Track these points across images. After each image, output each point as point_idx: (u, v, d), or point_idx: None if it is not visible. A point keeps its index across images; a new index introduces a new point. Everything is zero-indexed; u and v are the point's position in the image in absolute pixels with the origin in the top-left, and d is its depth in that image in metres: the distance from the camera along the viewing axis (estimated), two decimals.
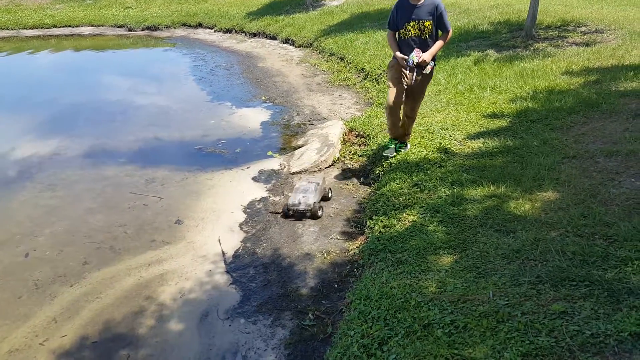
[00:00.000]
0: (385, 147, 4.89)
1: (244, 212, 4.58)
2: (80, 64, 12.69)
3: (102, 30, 16.82)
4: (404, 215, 3.63)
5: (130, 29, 16.56)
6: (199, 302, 3.37)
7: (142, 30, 16.44)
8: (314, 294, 3.36)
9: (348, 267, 3.61)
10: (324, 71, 9.71)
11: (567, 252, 2.67)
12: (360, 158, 5.42)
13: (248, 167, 5.55)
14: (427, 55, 4.20)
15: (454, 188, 3.80)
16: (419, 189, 3.95)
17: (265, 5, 17.12)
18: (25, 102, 8.85)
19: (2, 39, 15.93)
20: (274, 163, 5.63)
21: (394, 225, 3.56)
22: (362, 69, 8.79)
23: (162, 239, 4.16)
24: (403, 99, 4.47)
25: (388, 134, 4.90)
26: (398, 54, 4.32)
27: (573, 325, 2.07)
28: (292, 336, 2.99)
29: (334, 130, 5.98)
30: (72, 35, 16.38)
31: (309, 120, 7.00)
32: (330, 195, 4.66)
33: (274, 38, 13.48)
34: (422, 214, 3.56)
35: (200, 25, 16.41)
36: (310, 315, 3.14)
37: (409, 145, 4.85)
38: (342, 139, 5.92)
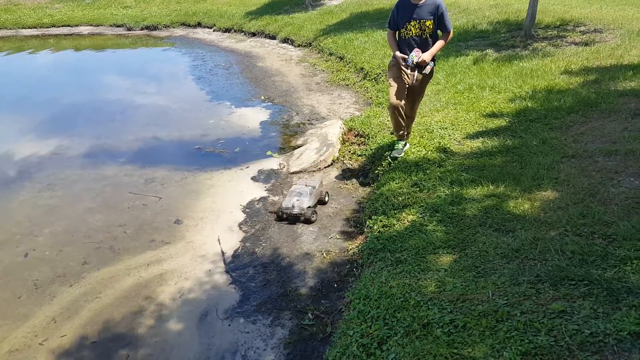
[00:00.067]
0: (392, 149, 4.85)
1: (243, 211, 4.58)
2: (79, 63, 12.68)
3: (101, 29, 16.81)
4: (403, 214, 3.63)
5: (129, 29, 16.55)
6: (198, 302, 3.37)
7: (141, 30, 16.43)
8: (314, 293, 3.37)
9: (347, 266, 3.61)
10: (323, 71, 9.71)
11: (567, 251, 2.68)
12: (360, 158, 5.42)
13: (247, 167, 5.55)
14: (426, 56, 4.20)
15: (453, 187, 3.80)
16: (418, 189, 3.95)
17: (264, 4, 17.12)
18: (24, 102, 8.84)
19: (1, 39, 15.91)
20: (273, 163, 5.63)
21: (393, 224, 3.56)
22: (362, 68, 8.79)
23: (161, 238, 4.16)
24: (404, 98, 4.46)
25: (391, 135, 4.89)
26: (398, 53, 4.32)
27: (572, 325, 2.08)
28: (291, 336, 2.99)
29: (333, 130, 5.98)
30: (71, 34, 16.36)
31: (308, 120, 7.00)
32: (327, 199, 4.58)
33: (273, 37, 13.47)
34: (421, 214, 3.56)
35: (199, 24, 16.39)
36: (309, 314, 3.14)
37: (408, 145, 4.85)
38: (341, 138, 5.92)
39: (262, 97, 8.27)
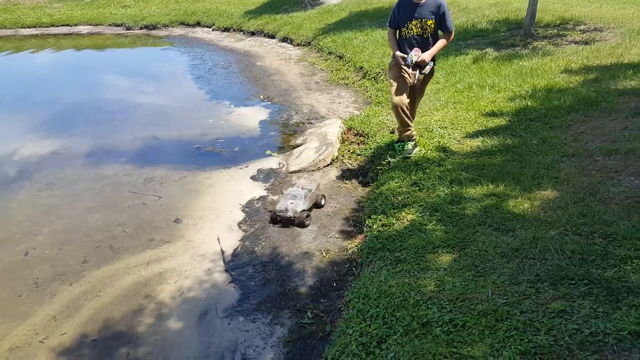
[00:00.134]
0: (402, 149, 4.81)
1: (243, 211, 4.58)
2: (79, 63, 12.67)
3: (100, 29, 16.79)
4: (403, 214, 3.63)
5: (129, 28, 16.54)
6: (198, 301, 3.37)
7: (140, 29, 16.41)
8: (313, 292, 3.37)
9: (347, 265, 3.61)
10: (323, 70, 9.70)
11: (566, 250, 2.68)
12: (359, 157, 5.42)
13: (247, 166, 5.55)
14: (426, 55, 4.19)
15: (452, 187, 3.80)
16: (417, 188, 3.95)
17: (263, 3, 17.10)
18: (23, 102, 8.83)
19: (0, 38, 15.89)
20: (272, 162, 5.62)
21: (393, 224, 3.56)
22: (361, 67, 8.78)
23: (161, 237, 4.16)
24: (407, 98, 4.42)
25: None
26: (397, 52, 4.31)
27: (572, 324, 2.08)
28: (290, 334, 2.99)
29: (333, 129, 5.98)
30: (70, 34, 16.34)
31: (308, 119, 7.00)
32: (323, 202, 4.50)
33: (272, 37, 13.46)
34: (420, 213, 3.56)
35: (198, 24, 16.37)
36: (309, 313, 3.14)
37: (417, 146, 4.83)
38: (340, 137, 5.92)
39: (262, 97, 8.27)
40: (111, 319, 3.22)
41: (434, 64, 4.42)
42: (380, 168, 4.76)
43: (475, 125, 5.06)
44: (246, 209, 4.60)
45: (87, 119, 7.68)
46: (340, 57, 9.88)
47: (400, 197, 3.89)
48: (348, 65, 9.32)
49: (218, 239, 4.10)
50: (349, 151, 5.66)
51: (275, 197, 4.80)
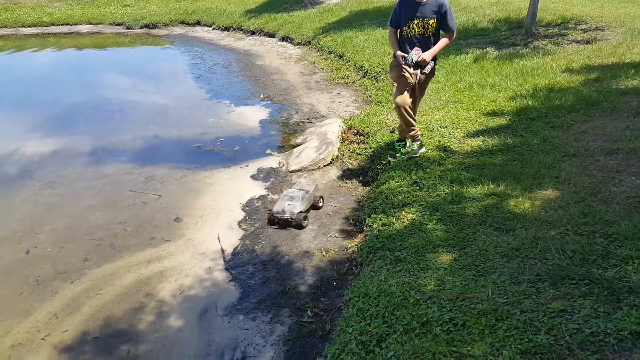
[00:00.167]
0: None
1: (243, 210, 4.58)
2: (79, 62, 12.67)
3: (101, 28, 16.79)
4: (403, 213, 3.63)
5: (129, 27, 16.53)
6: (198, 299, 3.37)
7: (140, 28, 16.41)
8: (313, 291, 3.37)
9: (347, 265, 3.61)
10: (323, 69, 9.70)
11: (567, 250, 2.68)
12: (359, 156, 5.42)
13: (247, 165, 5.55)
14: (427, 55, 4.18)
15: (453, 186, 3.80)
16: (418, 187, 3.95)
17: (263, 3, 17.09)
18: (24, 101, 8.83)
19: (1, 37, 15.89)
20: (272, 161, 5.62)
21: (393, 223, 3.56)
22: (361, 66, 8.78)
23: (161, 236, 4.16)
24: (410, 97, 4.41)
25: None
26: (398, 52, 4.31)
27: (572, 324, 2.07)
28: (290, 333, 3.00)
29: (333, 129, 5.97)
30: (70, 33, 16.34)
31: (308, 119, 7.00)
32: (321, 204, 4.46)
33: (272, 36, 13.46)
34: (421, 212, 3.55)
35: (198, 23, 16.36)
36: (308, 312, 3.15)
37: (408, 143, 4.85)
38: (340, 137, 5.91)
39: (262, 96, 8.27)
40: (112, 317, 3.23)
41: (435, 64, 4.41)
42: (381, 167, 4.76)
43: (476, 124, 5.06)
44: (246, 208, 4.60)
45: (88, 118, 7.68)
46: (341, 56, 9.87)
47: (400, 197, 3.89)
48: (348, 65, 9.31)
49: (218, 238, 4.10)
50: (349, 150, 5.66)
51: (276, 197, 4.80)
